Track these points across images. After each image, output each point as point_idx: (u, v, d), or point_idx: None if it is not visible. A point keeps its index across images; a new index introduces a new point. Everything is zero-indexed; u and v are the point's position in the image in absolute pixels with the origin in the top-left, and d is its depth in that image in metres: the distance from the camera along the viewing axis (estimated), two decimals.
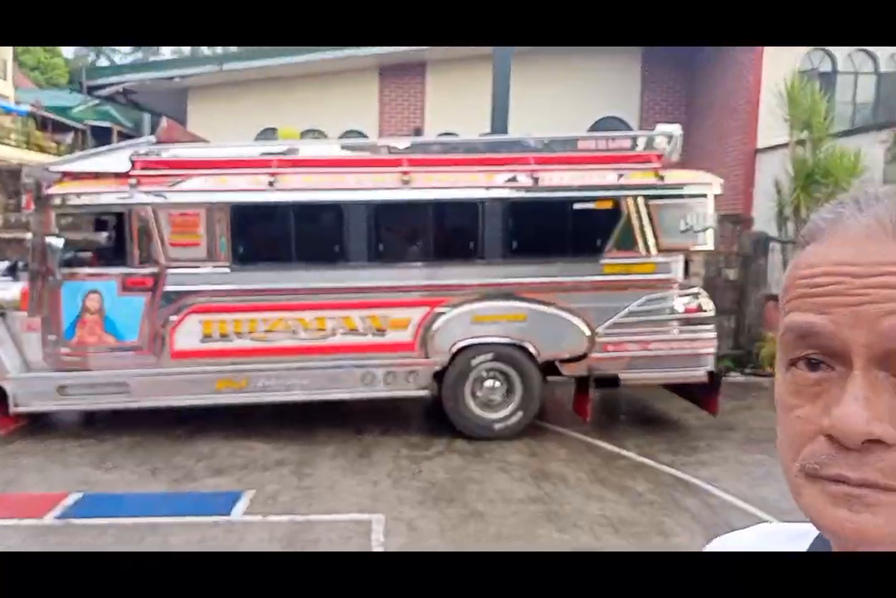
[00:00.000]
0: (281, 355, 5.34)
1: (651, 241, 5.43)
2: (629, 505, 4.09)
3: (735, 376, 7.31)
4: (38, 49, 39.72)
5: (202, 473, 4.70)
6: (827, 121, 8.12)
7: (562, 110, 10.97)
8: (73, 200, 5.16)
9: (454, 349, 5.36)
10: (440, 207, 5.45)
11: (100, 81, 12.52)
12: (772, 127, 8.69)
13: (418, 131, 13.01)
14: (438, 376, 5.44)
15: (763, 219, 8.81)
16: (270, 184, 5.19)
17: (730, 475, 4.62)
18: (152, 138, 5.36)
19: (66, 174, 5.36)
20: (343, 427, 5.66)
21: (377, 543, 3.60)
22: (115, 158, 5.25)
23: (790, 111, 8.26)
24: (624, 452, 5.11)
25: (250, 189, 5.23)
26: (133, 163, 5.17)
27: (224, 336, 5.30)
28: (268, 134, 10.87)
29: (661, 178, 5.44)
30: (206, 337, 5.29)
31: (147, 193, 5.14)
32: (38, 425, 5.56)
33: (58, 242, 5.11)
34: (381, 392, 5.40)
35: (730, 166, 11.36)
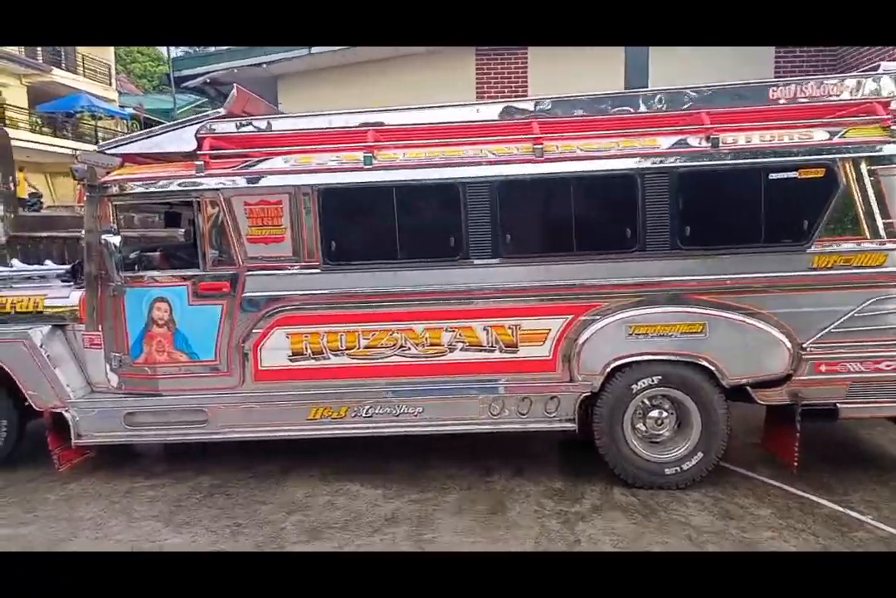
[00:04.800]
0: (386, 376, 4.26)
1: (881, 222, 3.96)
2: None
3: None
4: (144, 59, 40.93)
5: (293, 532, 3.65)
6: None
7: (681, 70, 9.36)
8: (133, 189, 4.23)
9: (608, 370, 4.10)
10: (584, 183, 4.15)
11: (186, 72, 11.94)
12: None
13: None
14: (588, 404, 4.21)
15: None
16: (367, 161, 4.08)
17: None
18: (221, 111, 4.32)
19: (125, 158, 4.46)
20: (464, 465, 4.51)
21: None
22: (184, 137, 4.29)
23: None
24: (856, 514, 3.69)
25: (343, 168, 4.14)
26: (199, 141, 4.18)
27: (317, 353, 4.25)
28: None
29: (895, 134, 3.96)
30: (296, 354, 4.26)
31: (216, 176, 4.14)
32: (107, 457, 4.71)
33: (116, 240, 4.21)
34: (512, 424, 4.22)
35: None
